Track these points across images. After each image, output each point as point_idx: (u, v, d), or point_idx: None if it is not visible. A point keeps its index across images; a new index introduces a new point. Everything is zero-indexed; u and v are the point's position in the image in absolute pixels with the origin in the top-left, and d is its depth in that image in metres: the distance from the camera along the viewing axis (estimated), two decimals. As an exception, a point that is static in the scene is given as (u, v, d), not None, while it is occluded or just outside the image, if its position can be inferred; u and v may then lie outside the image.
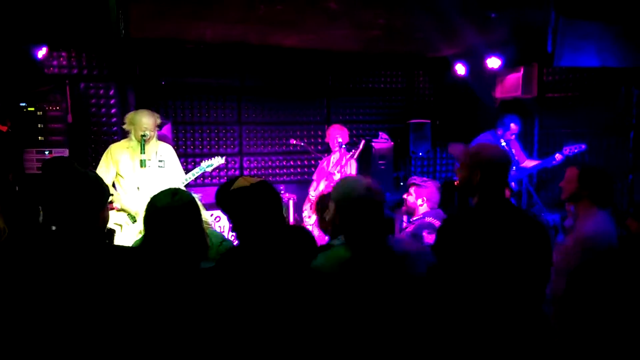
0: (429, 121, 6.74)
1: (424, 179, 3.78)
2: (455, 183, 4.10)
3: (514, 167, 5.23)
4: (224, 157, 4.65)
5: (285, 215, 5.35)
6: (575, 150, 4.86)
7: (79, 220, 1.65)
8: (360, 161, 6.76)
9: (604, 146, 4.93)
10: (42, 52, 4.91)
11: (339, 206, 2.01)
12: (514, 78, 5.56)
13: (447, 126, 6.77)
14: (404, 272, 1.92)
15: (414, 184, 3.70)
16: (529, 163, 5.26)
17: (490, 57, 5.48)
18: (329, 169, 5.49)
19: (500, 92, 5.81)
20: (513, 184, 5.35)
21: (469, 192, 2.17)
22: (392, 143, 6.50)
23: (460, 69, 6.15)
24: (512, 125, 5.18)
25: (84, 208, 1.67)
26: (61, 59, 5.43)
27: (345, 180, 2.21)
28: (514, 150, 5.26)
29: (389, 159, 6.44)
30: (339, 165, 5.35)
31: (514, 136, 5.26)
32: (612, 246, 2.58)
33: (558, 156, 4.86)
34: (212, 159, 4.57)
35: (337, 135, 5.41)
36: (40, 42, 4.86)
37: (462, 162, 2.19)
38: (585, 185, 2.75)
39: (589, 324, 1.72)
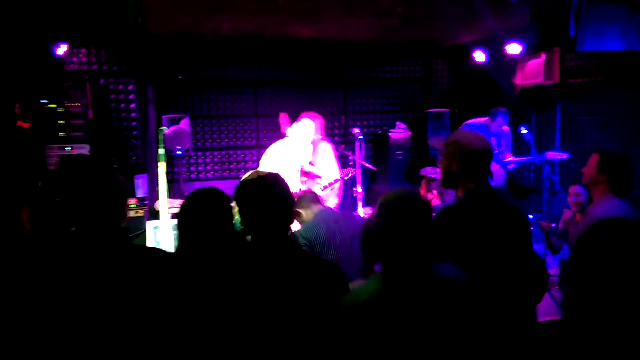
0: (447, 110, 6.66)
1: (436, 170, 3.66)
2: None
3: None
4: None
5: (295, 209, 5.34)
6: (557, 157, 4.94)
7: (98, 218, 1.63)
8: (376, 151, 6.74)
9: (626, 132, 4.81)
10: (62, 49, 4.97)
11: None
12: (535, 64, 5.45)
13: (466, 115, 6.67)
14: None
15: (424, 177, 3.59)
16: (510, 159, 5.29)
17: (510, 43, 5.37)
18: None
19: (520, 79, 5.70)
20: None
21: (449, 183, 2.14)
22: (410, 133, 6.44)
23: (479, 55, 6.04)
24: (500, 118, 5.12)
25: (103, 205, 1.64)
26: (81, 55, 5.50)
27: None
28: (501, 142, 5.26)
29: (406, 149, 6.38)
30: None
31: (500, 129, 5.23)
32: None
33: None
34: None
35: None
36: (61, 39, 4.92)
37: (442, 152, 2.16)
38: (603, 170, 2.72)
39: (593, 296, 1.58)
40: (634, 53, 4.34)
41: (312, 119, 4.93)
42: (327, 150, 5.01)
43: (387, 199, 1.63)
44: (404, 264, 1.58)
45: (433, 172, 3.58)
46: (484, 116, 5.29)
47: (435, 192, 3.48)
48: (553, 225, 4.55)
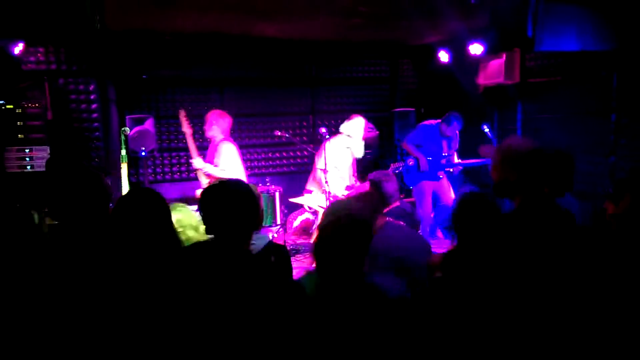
0: (413, 109, 6.74)
1: (379, 171, 3.46)
2: None
3: (446, 159, 5.41)
4: None
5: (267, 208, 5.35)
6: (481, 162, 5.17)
7: (87, 216, 1.63)
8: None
9: (585, 130, 4.97)
10: (18, 48, 4.82)
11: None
12: (497, 64, 5.57)
13: (431, 114, 6.77)
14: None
15: (371, 181, 3.42)
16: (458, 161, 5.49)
17: (472, 44, 5.47)
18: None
19: (483, 79, 5.81)
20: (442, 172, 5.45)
21: (505, 191, 2.08)
22: (377, 132, 6.50)
23: (443, 56, 6.14)
24: (455, 123, 5.24)
25: (93, 203, 1.68)
26: (38, 54, 5.34)
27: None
28: (452, 145, 5.42)
29: (374, 148, 6.44)
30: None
31: (454, 134, 5.37)
32: None
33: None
34: None
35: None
36: (16, 37, 4.76)
37: (497, 160, 2.11)
38: (539, 172, 2.72)
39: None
40: (590, 53, 4.49)
41: (219, 119, 4.82)
42: (231, 152, 4.74)
43: (331, 213, 1.79)
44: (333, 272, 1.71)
45: (376, 175, 3.44)
46: (438, 119, 5.40)
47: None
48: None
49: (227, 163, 4.65)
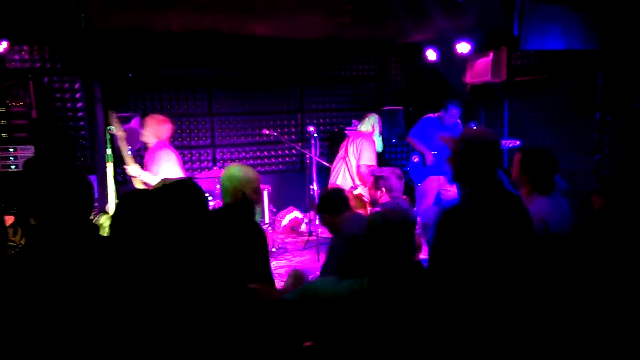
0: (401, 108, 6.76)
1: (382, 169, 3.70)
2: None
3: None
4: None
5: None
6: (510, 145, 4.99)
7: (67, 216, 1.62)
8: (333, 148, 6.78)
9: (570, 128, 5.02)
10: (2, 47, 4.74)
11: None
12: (484, 63, 5.60)
13: (419, 112, 6.80)
14: None
15: (372, 176, 3.64)
16: None
17: (459, 42, 5.49)
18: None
19: (470, 77, 5.85)
20: None
21: (463, 180, 2.13)
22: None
23: (431, 54, 6.16)
24: (453, 110, 5.24)
25: (73, 202, 1.64)
26: (23, 53, 5.26)
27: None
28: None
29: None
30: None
31: (454, 120, 5.33)
32: (549, 232, 2.55)
33: None
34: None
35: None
36: (0, 36, 4.69)
37: (455, 151, 2.15)
38: (525, 170, 2.71)
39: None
40: (575, 52, 4.53)
41: (154, 123, 4.46)
42: (168, 159, 4.33)
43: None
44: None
45: (379, 171, 3.63)
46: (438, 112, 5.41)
47: (383, 189, 3.52)
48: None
49: (165, 171, 4.18)
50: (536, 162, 2.71)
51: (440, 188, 5.37)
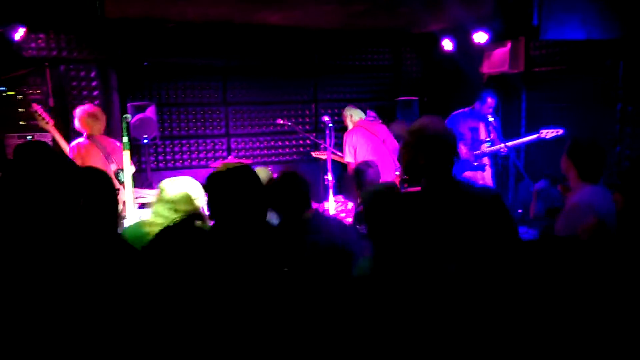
0: (416, 98, 6.69)
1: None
2: None
3: (490, 143, 5.17)
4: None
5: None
6: (553, 135, 4.80)
7: (60, 211, 1.59)
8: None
9: (590, 119, 4.93)
10: (19, 34, 4.79)
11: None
12: (501, 53, 5.51)
13: (435, 103, 6.73)
14: None
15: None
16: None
17: (477, 32, 5.41)
18: None
19: (487, 68, 5.76)
20: (486, 159, 5.31)
21: (414, 174, 2.08)
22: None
23: (447, 44, 6.08)
24: (489, 99, 5.13)
25: (61, 198, 1.59)
26: (40, 40, 5.30)
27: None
28: (490, 129, 5.24)
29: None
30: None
31: (491, 110, 5.19)
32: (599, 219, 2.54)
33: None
34: None
35: None
36: (18, 23, 4.74)
37: (405, 142, 2.09)
38: (572, 159, 2.77)
39: None
40: (595, 42, 4.43)
41: (97, 118, 4.43)
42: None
43: None
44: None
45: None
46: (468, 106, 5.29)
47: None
48: (520, 211, 4.64)
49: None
50: (585, 150, 2.76)
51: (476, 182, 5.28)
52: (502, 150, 5.08)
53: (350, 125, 5.42)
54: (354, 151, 5.20)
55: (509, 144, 5.05)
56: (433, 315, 1.84)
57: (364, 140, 5.20)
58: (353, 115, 5.43)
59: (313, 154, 6.30)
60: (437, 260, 1.89)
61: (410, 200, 2.08)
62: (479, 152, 5.24)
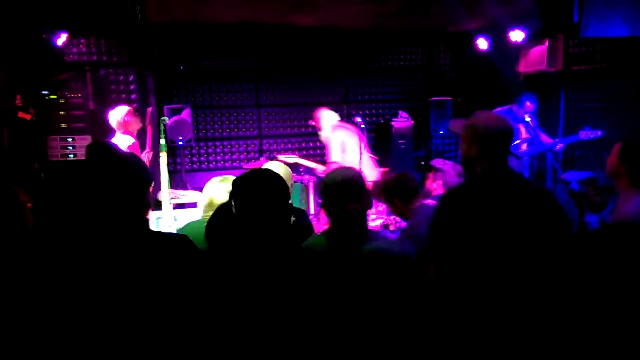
0: (450, 98, 6.60)
1: (446, 162, 3.67)
2: None
3: (530, 143, 5.08)
4: None
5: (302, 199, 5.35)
6: (591, 136, 4.70)
7: (120, 208, 1.63)
8: (378, 140, 6.71)
9: (632, 119, 4.77)
10: (61, 39, 4.95)
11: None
12: (539, 51, 5.40)
13: (469, 103, 6.62)
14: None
15: (433, 167, 3.60)
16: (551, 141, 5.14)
17: (513, 30, 5.33)
18: None
19: (524, 66, 5.65)
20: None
21: (469, 167, 2.10)
22: (412, 122, 6.41)
23: (482, 43, 5.99)
24: (528, 103, 5.03)
25: (124, 195, 1.64)
26: (81, 45, 5.46)
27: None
28: (530, 129, 5.14)
29: (409, 138, 6.35)
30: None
31: (528, 114, 5.10)
32: None
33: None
34: None
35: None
36: (60, 28, 4.89)
37: (461, 136, 2.12)
38: (624, 161, 2.53)
39: None
40: (638, 39, 4.29)
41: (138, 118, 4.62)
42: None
43: None
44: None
45: (442, 164, 3.57)
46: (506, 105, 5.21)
47: (439, 182, 3.46)
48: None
49: None
50: (638, 153, 2.53)
51: None
52: (557, 147, 4.99)
53: (326, 128, 5.29)
54: (342, 150, 5.13)
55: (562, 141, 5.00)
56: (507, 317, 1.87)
57: (349, 139, 5.14)
58: (328, 118, 5.33)
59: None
60: (501, 255, 1.90)
61: (463, 190, 2.10)
62: (523, 150, 5.15)
